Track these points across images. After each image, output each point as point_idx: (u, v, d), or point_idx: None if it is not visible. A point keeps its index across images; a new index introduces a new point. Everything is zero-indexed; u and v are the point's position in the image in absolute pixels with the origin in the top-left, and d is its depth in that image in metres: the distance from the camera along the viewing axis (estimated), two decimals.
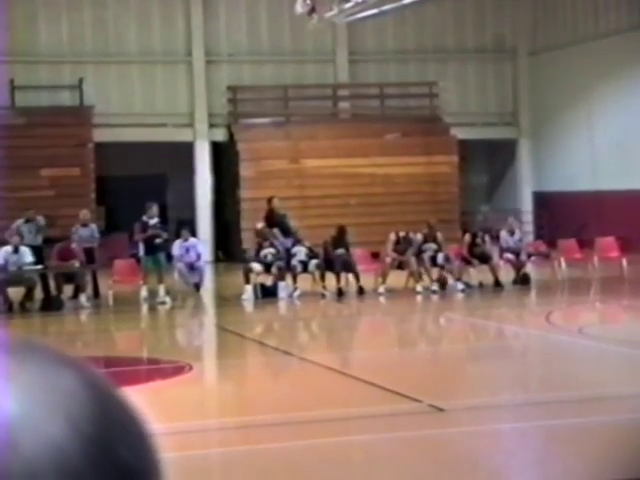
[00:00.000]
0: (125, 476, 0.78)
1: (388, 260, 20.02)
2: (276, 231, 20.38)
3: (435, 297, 19.43)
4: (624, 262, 21.27)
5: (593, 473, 7.70)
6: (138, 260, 20.20)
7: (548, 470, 7.95)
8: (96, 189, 27.74)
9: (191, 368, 12.68)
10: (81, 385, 0.79)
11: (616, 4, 28.05)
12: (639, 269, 21.91)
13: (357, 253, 20.58)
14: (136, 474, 0.79)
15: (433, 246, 20.12)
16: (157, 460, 0.82)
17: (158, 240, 19.88)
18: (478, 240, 20.49)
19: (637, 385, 10.98)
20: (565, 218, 28.24)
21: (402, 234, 20.28)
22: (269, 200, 21.62)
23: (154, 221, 20.05)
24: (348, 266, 19.90)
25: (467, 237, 20.70)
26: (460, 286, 19.79)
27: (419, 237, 20.24)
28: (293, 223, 21.14)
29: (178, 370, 12.55)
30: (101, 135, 27.68)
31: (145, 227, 19.96)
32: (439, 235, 20.36)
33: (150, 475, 0.81)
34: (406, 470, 8.02)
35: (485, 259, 20.29)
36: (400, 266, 20.06)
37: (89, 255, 19.89)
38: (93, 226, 20.81)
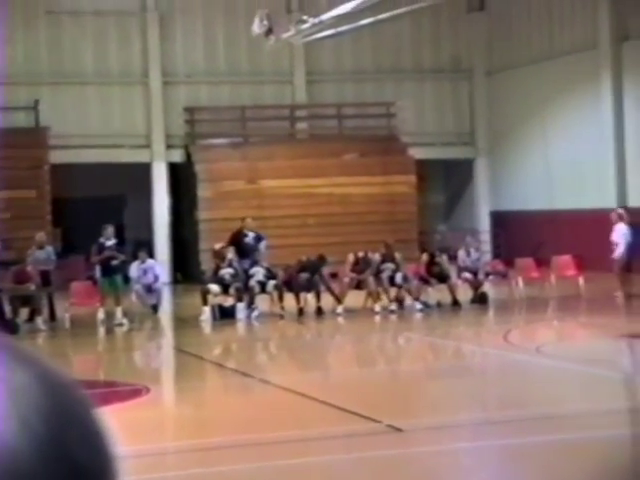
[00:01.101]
0: (79, 476, 0.74)
1: (346, 280, 20.01)
2: (230, 250, 20.33)
3: (394, 317, 19.43)
4: (581, 280, 21.41)
5: None
6: (95, 282, 20.05)
7: None
8: (52, 211, 27.53)
9: (148, 391, 12.58)
10: (34, 381, 0.75)
11: (570, 24, 28.33)
12: (596, 287, 22.07)
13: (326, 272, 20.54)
14: (90, 473, 0.75)
15: (391, 266, 20.14)
16: (112, 458, 0.78)
17: (115, 262, 19.77)
18: (437, 259, 20.54)
19: (594, 403, 11.03)
20: (522, 237, 28.40)
21: (361, 254, 20.30)
22: (242, 219, 21.82)
23: (111, 242, 19.93)
24: (310, 286, 19.82)
25: (425, 256, 20.76)
26: (418, 306, 19.82)
27: (377, 257, 20.26)
28: (265, 246, 21.12)
29: (135, 393, 12.44)
30: (57, 156, 27.51)
31: (102, 249, 19.85)
32: (397, 255, 20.40)
33: (105, 474, 0.77)
34: None
35: (443, 278, 20.34)
36: (359, 286, 20.06)
37: (45, 278, 19.71)
38: (49, 248, 20.63)
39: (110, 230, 20.05)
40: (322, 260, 20.16)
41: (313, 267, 20.00)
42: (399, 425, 9.87)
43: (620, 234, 20.45)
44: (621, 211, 20.99)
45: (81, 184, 28.27)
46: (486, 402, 11.41)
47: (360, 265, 20.11)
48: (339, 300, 19.71)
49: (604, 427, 9.74)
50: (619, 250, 20.34)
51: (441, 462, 8.72)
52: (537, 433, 9.52)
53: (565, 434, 9.49)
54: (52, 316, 19.82)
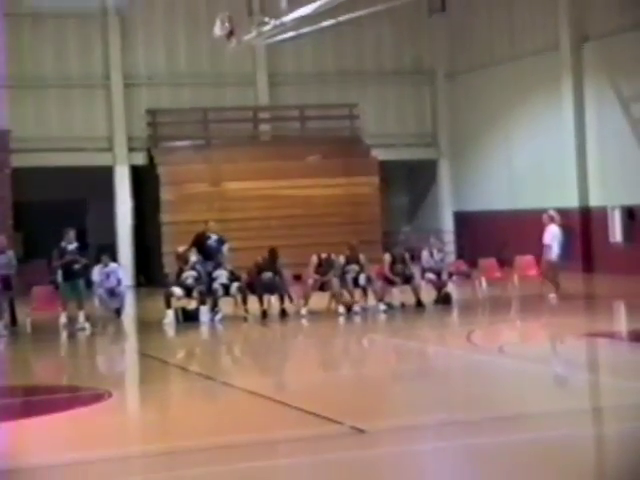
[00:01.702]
0: None
1: (310, 282, 20.00)
2: (193, 252, 20.27)
3: (357, 318, 19.43)
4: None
5: None
6: (57, 287, 19.91)
7: None
8: (13, 215, 27.30)
9: (110, 395, 12.50)
10: None
11: (531, 26, 28.49)
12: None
13: (288, 274, 20.49)
14: None
15: (355, 267, 20.16)
16: None
17: (77, 266, 19.64)
18: (401, 262, 20.50)
19: (556, 402, 11.08)
20: (485, 237, 28.54)
21: (324, 256, 20.29)
22: (205, 222, 21.77)
23: (72, 246, 19.80)
24: (272, 288, 19.82)
25: (387, 257, 20.75)
26: (382, 307, 19.84)
27: (341, 259, 20.26)
28: (227, 250, 21.06)
29: (97, 398, 12.36)
30: (18, 160, 27.29)
31: (63, 253, 19.71)
32: (361, 256, 20.41)
33: None
34: None
35: (407, 279, 20.38)
36: (322, 288, 20.05)
37: (6, 282, 19.56)
38: (10, 253, 20.44)
39: (72, 234, 19.91)
40: (274, 254, 20.09)
41: (272, 265, 19.96)
42: (362, 427, 9.87)
43: (551, 236, 20.65)
44: (552, 213, 21.21)
45: (43, 188, 28.11)
46: (449, 403, 11.42)
47: (323, 267, 20.10)
48: (291, 299, 19.67)
49: (566, 426, 9.80)
50: (551, 252, 20.52)
51: (404, 463, 8.72)
52: (500, 433, 9.56)
53: (528, 434, 9.54)
54: (13, 321, 19.67)
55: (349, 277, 20.00)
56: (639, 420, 9.95)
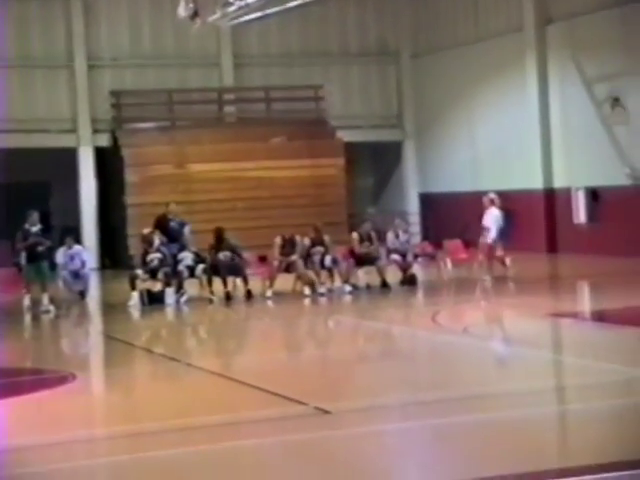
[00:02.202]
0: None
1: (275, 263, 19.98)
2: (157, 235, 20.18)
3: (323, 300, 19.45)
4: (507, 261, 21.59)
5: (478, 469, 7.77)
6: (20, 269, 19.77)
7: (434, 469, 7.99)
8: None
9: (74, 377, 12.44)
10: None
11: (495, 7, 28.54)
12: (522, 267, 22.32)
13: (246, 257, 20.47)
14: None
15: (320, 249, 20.15)
16: None
17: (40, 248, 19.50)
18: (367, 240, 20.52)
19: (520, 382, 11.15)
20: (450, 219, 28.60)
21: (287, 236, 20.25)
22: (166, 204, 21.67)
23: (36, 229, 19.65)
24: (235, 270, 19.80)
25: (355, 235, 20.74)
26: (348, 288, 19.87)
27: (306, 241, 20.25)
28: (189, 232, 20.97)
29: (61, 380, 12.29)
30: None
31: (27, 235, 19.56)
32: (326, 238, 20.41)
33: None
34: (293, 474, 8.00)
35: (372, 260, 20.40)
36: (287, 269, 20.04)
37: None
38: None
39: (35, 216, 19.76)
40: (219, 233, 19.97)
41: (220, 245, 19.85)
42: (327, 407, 9.89)
43: (492, 219, 20.79)
44: (493, 196, 21.38)
45: (5, 170, 27.80)
46: (414, 383, 11.46)
47: (287, 247, 20.06)
48: (246, 283, 19.60)
49: (531, 405, 9.86)
50: (490, 234, 20.66)
51: (369, 443, 8.75)
52: (465, 413, 9.60)
53: (494, 413, 9.59)
54: None
55: (316, 259, 20.00)
56: (602, 399, 10.03)
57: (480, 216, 21.27)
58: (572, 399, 10.61)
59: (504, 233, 21.11)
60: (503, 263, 20.83)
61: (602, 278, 21.06)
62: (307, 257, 20.00)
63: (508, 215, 22.09)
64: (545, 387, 10.87)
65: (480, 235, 21.11)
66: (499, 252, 20.93)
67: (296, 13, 26.50)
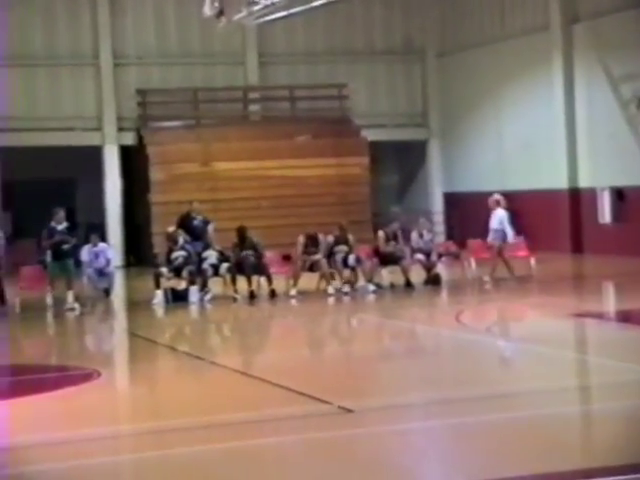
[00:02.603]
0: None
1: (299, 262, 19.99)
2: (181, 233, 20.25)
3: (347, 299, 19.46)
4: (532, 261, 21.56)
5: (500, 469, 7.76)
6: (46, 266, 19.88)
7: (458, 467, 8.00)
8: (2, 195, 27.24)
9: (99, 374, 12.51)
10: None
11: (521, 5, 28.45)
12: (547, 268, 22.28)
13: (268, 255, 20.51)
14: None
15: (344, 248, 20.16)
16: None
17: (66, 246, 19.61)
18: (393, 239, 20.49)
19: (544, 381, 11.12)
20: (475, 218, 28.49)
21: (310, 234, 20.23)
22: (190, 203, 21.80)
23: (62, 226, 19.77)
24: (259, 269, 19.84)
25: (381, 234, 20.70)
26: (371, 287, 19.87)
27: (330, 239, 20.25)
28: (213, 230, 21.04)
29: (86, 377, 12.37)
30: (6, 139, 27.19)
31: (53, 233, 19.68)
32: (350, 237, 20.41)
33: None
34: (317, 472, 8.01)
35: (397, 260, 20.38)
36: (312, 268, 20.06)
37: None
38: None
39: (61, 214, 19.88)
40: (242, 232, 20.02)
41: (242, 244, 19.89)
42: (350, 406, 9.90)
43: (498, 220, 20.72)
44: (498, 197, 21.28)
45: (32, 167, 28.02)
46: (438, 382, 11.46)
47: (310, 246, 20.05)
48: (270, 282, 19.63)
49: (554, 405, 9.84)
50: (494, 236, 20.60)
51: (392, 442, 8.76)
52: (488, 412, 9.60)
53: (516, 412, 9.58)
54: (2, 300, 19.64)
55: (338, 257, 20.00)
56: (625, 399, 10.00)
57: (487, 217, 21.23)
58: (594, 399, 10.59)
59: (509, 234, 21.03)
60: (508, 264, 20.70)
61: (627, 278, 20.96)
62: (330, 255, 20.01)
63: (514, 215, 22.01)
64: (567, 386, 10.85)
65: (488, 236, 21.03)
66: (507, 253, 20.83)
67: (322, 11, 26.47)
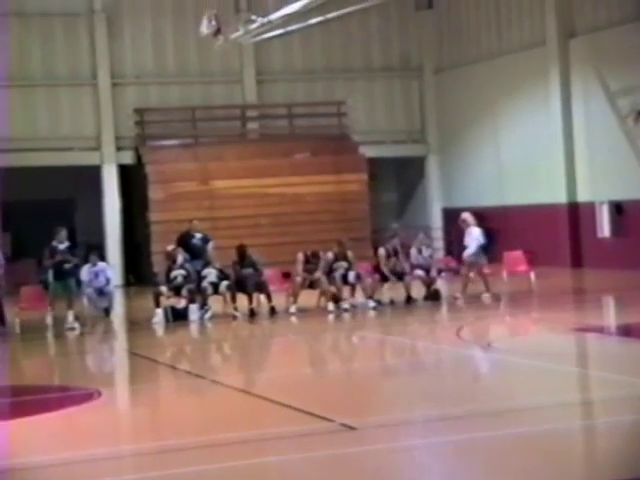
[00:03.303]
0: None
1: (298, 280, 19.98)
2: (180, 251, 20.27)
3: (347, 315, 19.44)
4: (532, 276, 21.56)
5: None
6: (46, 286, 19.86)
7: None
8: (1, 215, 27.23)
9: (100, 394, 12.48)
10: None
11: (518, 21, 28.53)
12: (547, 282, 22.27)
13: (268, 273, 20.52)
14: None
15: (344, 264, 20.16)
16: None
17: (68, 265, 19.61)
18: (394, 255, 20.48)
19: (545, 396, 11.10)
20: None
21: (310, 252, 20.23)
22: (190, 221, 21.85)
23: (64, 246, 19.78)
24: (259, 286, 19.84)
25: (382, 251, 20.68)
26: (372, 304, 19.85)
27: (330, 256, 20.26)
28: (212, 248, 21.07)
29: (87, 397, 12.34)
30: (5, 160, 27.20)
31: (54, 252, 19.68)
32: (349, 253, 20.41)
33: None
34: None
35: (400, 275, 20.37)
36: (311, 285, 20.04)
37: None
38: None
39: (63, 233, 19.89)
40: (242, 250, 20.05)
41: (242, 262, 19.90)
42: (352, 424, 9.88)
43: (472, 238, 20.64)
44: (466, 215, 21.21)
45: (30, 187, 28.03)
46: (439, 398, 11.43)
47: (311, 264, 20.07)
48: (270, 299, 19.63)
49: (557, 420, 9.82)
50: (469, 252, 20.53)
51: (395, 459, 8.73)
52: (490, 428, 9.58)
53: (518, 428, 9.56)
54: (2, 321, 19.62)
55: (338, 274, 20.00)
56: (629, 413, 9.98)
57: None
58: (597, 413, 10.56)
59: (486, 250, 20.98)
60: (486, 280, 20.63)
61: (627, 292, 20.95)
62: (330, 272, 20.00)
63: (488, 232, 21.98)
64: (569, 402, 10.83)
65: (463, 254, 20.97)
66: (485, 270, 20.77)
67: (319, 29, 26.59)
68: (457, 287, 21.21)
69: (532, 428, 9.52)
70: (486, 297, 20.27)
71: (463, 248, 20.92)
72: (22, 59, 28.70)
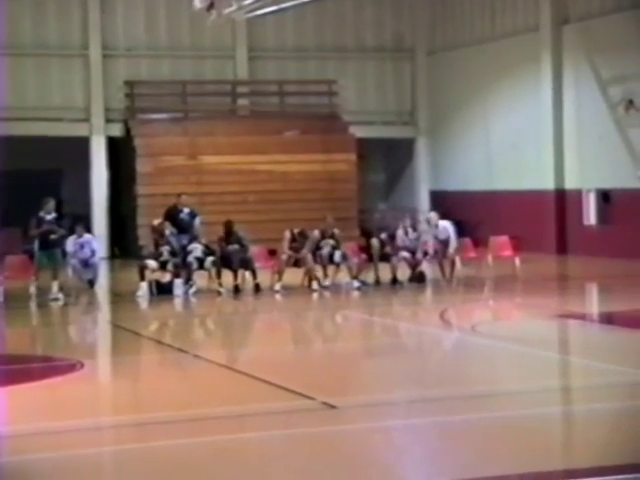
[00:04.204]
0: None
1: (284, 257, 19.98)
2: (168, 225, 20.23)
3: (332, 295, 19.45)
4: (517, 261, 21.62)
5: (482, 468, 7.78)
6: (32, 256, 19.83)
7: (440, 466, 8.01)
8: None
9: (82, 366, 12.48)
10: None
11: (512, 6, 28.49)
12: (531, 267, 22.33)
13: (254, 250, 20.50)
14: None
15: (331, 242, 20.14)
16: None
17: (53, 236, 19.56)
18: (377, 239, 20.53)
19: (528, 381, 11.15)
20: (461, 217, 28.54)
21: (297, 231, 20.24)
22: (178, 195, 21.74)
23: (51, 216, 19.71)
24: (245, 263, 19.83)
25: (375, 242, 20.62)
26: (356, 284, 19.86)
27: (316, 233, 20.24)
28: (200, 223, 21.03)
29: (69, 368, 12.33)
30: None
31: (41, 222, 19.61)
32: (336, 231, 20.40)
33: None
34: (299, 467, 8.01)
35: (386, 257, 20.40)
36: (297, 264, 20.04)
37: None
38: None
39: (51, 204, 19.82)
40: (229, 226, 20.02)
41: (229, 238, 19.87)
42: (333, 402, 9.90)
43: (449, 230, 20.74)
44: (431, 215, 21.35)
45: (18, 157, 27.89)
46: (421, 380, 11.47)
47: (297, 242, 20.05)
48: (255, 276, 19.63)
49: (537, 405, 9.86)
50: (454, 245, 20.62)
51: (375, 439, 8.76)
52: (472, 411, 9.61)
53: (499, 412, 9.60)
54: None
55: (325, 252, 19.99)
56: (608, 401, 10.03)
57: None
58: (577, 400, 10.61)
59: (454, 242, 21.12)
60: (452, 267, 20.72)
61: (611, 280, 21.03)
62: (316, 250, 19.99)
63: (456, 223, 22.08)
64: (551, 387, 10.87)
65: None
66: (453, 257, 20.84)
67: (312, 7, 26.53)
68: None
69: (513, 412, 9.56)
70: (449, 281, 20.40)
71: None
72: (12, 28, 28.47)
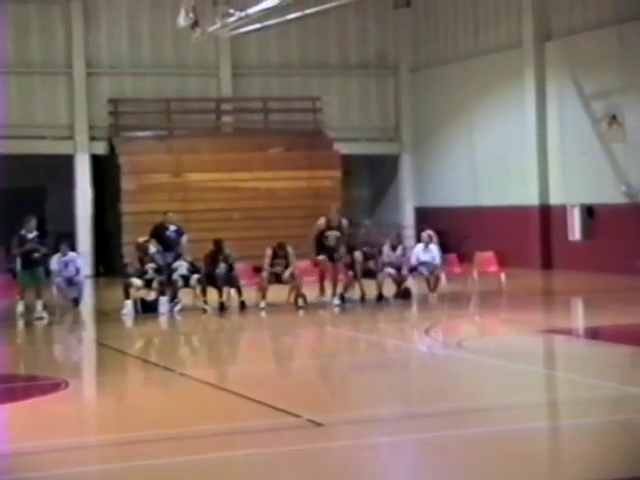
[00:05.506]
0: None
1: (265, 275, 19.92)
2: (153, 243, 20.19)
3: (317, 312, 19.42)
4: (502, 276, 21.65)
5: None
6: (15, 275, 19.74)
7: None
8: None
9: (67, 385, 12.42)
10: None
11: (495, 23, 28.62)
12: (517, 283, 22.37)
13: (239, 267, 20.46)
14: None
15: (336, 233, 20.28)
16: None
17: (36, 255, 19.49)
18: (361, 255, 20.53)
19: (513, 396, 11.15)
20: (446, 233, 28.58)
21: (276, 244, 20.16)
22: (164, 213, 21.76)
23: (32, 235, 19.65)
24: (230, 280, 19.80)
25: (358, 255, 20.57)
26: (336, 301, 19.85)
27: (322, 221, 20.43)
28: (186, 241, 20.99)
29: (53, 387, 12.28)
30: None
31: (23, 241, 19.55)
32: (344, 222, 20.51)
33: None
34: None
35: (370, 273, 20.38)
36: (279, 280, 19.97)
37: None
38: None
39: (33, 222, 19.76)
40: (219, 245, 19.99)
41: (218, 256, 19.84)
42: (319, 420, 9.88)
43: (434, 252, 20.81)
44: (430, 232, 21.40)
45: (1, 175, 27.81)
46: (407, 396, 11.46)
47: (278, 257, 19.97)
48: (240, 293, 19.60)
49: (524, 420, 9.86)
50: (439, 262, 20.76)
51: (361, 456, 8.74)
52: (458, 427, 9.60)
53: (485, 427, 9.59)
54: None
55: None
56: (593, 416, 10.04)
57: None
58: (563, 415, 10.61)
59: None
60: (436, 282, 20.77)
61: (596, 295, 21.07)
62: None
63: (442, 239, 22.18)
64: (536, 402, 10.88)
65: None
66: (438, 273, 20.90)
67: (295, 24, 26.55)
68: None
69: (499, 428, 9.56)
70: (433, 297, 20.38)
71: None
72: None
